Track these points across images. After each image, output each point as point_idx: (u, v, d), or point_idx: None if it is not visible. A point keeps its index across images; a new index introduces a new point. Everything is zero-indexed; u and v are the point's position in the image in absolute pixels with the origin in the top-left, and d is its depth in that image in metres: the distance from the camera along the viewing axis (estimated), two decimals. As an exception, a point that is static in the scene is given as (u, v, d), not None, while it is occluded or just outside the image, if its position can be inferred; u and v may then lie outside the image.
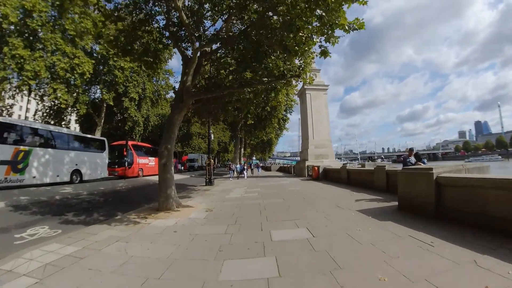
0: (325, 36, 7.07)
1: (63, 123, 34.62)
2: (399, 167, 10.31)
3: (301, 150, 26.74)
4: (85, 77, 27.88)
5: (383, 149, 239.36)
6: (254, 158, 65.47)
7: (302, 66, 10.10)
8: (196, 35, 9.83)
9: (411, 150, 10.15)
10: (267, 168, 54.57)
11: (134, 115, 37.80)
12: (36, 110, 35.38)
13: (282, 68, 9.72)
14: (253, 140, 54.35)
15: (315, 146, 23.70)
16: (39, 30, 24.76)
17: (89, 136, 23.32)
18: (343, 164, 20.81)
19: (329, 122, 25.19)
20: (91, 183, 19.24)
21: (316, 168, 18.79)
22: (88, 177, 20.46)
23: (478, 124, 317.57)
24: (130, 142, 26.88)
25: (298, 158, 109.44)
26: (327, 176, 18.30)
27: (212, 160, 18.77)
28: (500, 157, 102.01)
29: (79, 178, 19.48)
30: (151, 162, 29.95)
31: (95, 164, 21.32)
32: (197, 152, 59.08)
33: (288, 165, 40.32)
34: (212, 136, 19.47)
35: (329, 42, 7.20)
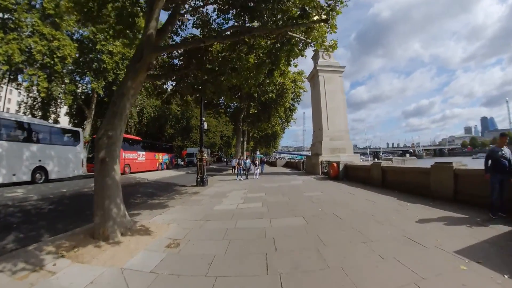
0: None
1: (52, 116, 31.41)
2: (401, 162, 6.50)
3: (313, 143, 22.90)
4: (66, 62, 24.42)
5: (387, 144, 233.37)
6: (258, 152, 61.64)
7: (331, 4, 6.36)
8: None
9: (503, 136, 6.14)
10: (272, 163, 50.75)
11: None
12: (21, 102, 32.12)
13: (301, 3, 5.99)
14: (256, 133, 50.67)
15: (330, 138, 19.87)
16: (13, 9, 21.38)
17: (58, 126, 19.57)
18: (374, 160, 16.98)
19: (345, 110, 21.32)
20: (58, 183, 15.61)
21: (335, 164, 14.99)
22: (56, 175, 16.81)
23: (484, 120, 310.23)
24: (114, 134, 23.26)
25: (304, 153, 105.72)
26: (349, 174, 14.52)
27: (205, 155, 15.08)
28: None
29: (43, 177, 15.87)
30: (140, 157, 26.41)
31: (66, 160, 17.65)
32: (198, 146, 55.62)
33: (296, 160, 36.16)
34: (206, 124, 15.76)
35: None
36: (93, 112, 32.29)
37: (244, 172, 18.12)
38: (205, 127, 15.96)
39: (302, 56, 8.74)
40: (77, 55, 26.81)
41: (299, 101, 30.89)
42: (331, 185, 12.49)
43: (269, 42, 8.20)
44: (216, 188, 13.11)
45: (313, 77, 22.43)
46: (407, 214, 6.14)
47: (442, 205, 6.78)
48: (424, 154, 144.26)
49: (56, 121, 30.17)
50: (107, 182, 5.47)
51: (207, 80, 9.40)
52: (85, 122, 32.66)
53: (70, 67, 27.33)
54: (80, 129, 21.02)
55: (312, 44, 7.80)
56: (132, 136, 28.75)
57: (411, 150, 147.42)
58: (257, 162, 19.01)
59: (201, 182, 14.24)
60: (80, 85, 31.77)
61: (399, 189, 9.60)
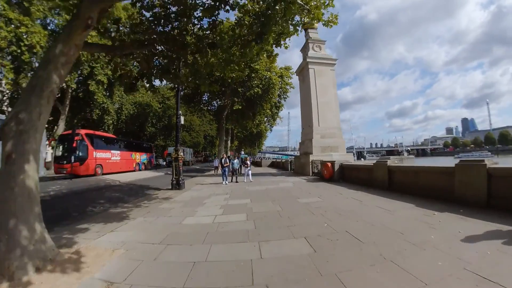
0: None
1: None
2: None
3: (302, 141, 21.19)
4: (35, 51, 21.77)
5: (371, 144, 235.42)
6: (242, 152, 59.71)
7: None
8: None
9: None
10: (257, 163, 48.88)
11: (102, 101, 31.43)
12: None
13: None
14: (240, 132, 48.82)
15: (321, 136, 18.23)
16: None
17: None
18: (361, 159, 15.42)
19: (338, 105, 19.74)
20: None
21: (329, 164, 13.29)
22: (9, 177, 14.43)
23: (465, 121, 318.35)
24: (84, 131, 20.89)
25: (289, 153, 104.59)
26: (346, 175, 12.88)
27: (182, 154, 13.08)
28: (489, 153, 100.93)
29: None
30: (114, 156, 24.02)
31: (22, 159, 15.28)
32: (182, 146, 53.10)
33: (282, 160, 34.35)
34: (182, 119, 13.77)
35: None
36: (67, 108, 29.45)
37: (230, 173, 15.19)
38: (182, 121, 13.95)
39: (297, 31, 7.05)
40: (49, 44, 24.18)
41: (286, 98, 29.27)
42: (328, 188, 10.76)
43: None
44: (193, 193, 11.15)
45: (303, 70, 20.77)
46: (444, 230, 4.46)
47: (477, 214, 5.27)
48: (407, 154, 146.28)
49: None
50: (14, 190, 3.54)
51: (178, 59, 7.51)
52: (59, 119, 29.94)
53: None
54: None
55: (311, 14, 6.09)
56: (105, 134, 26.20)
57: (408, 148, 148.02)
58: (248, 162, 16.20)
59: (177, 185, 12.25)
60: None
61: (410, 193, 8.02)
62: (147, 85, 8.62)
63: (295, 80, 29.90)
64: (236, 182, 14.76)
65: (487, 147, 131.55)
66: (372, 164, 10.72)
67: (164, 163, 44.56)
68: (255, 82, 23.63)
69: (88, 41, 5.65)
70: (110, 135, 27.59)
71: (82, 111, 33.32)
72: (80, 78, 29.64)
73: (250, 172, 15.64)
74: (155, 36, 6.92)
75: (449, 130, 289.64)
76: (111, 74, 29.11)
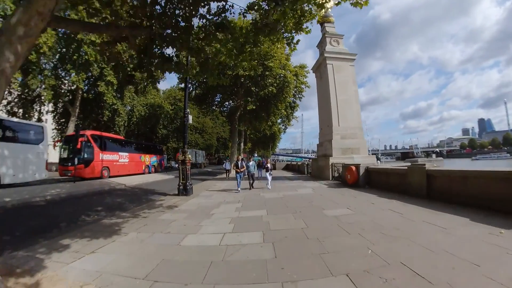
0: None
1: (35, 115, 28.38)
2: None
3: (320, 142, 19.78)
4: (42, 51, 21.21)
5: (385, 146, 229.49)
6: (255, 154, 58.42)
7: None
8: None
9: None
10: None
11: (112, 102, 30.78)
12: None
13: None
14: (254, 134, 47.64)
15: (341, 137, 16.80)
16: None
17: (12, 119, 16.38)
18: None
19: (358, 103, 18.27)
20: (9, 190, 12.40)
21: (353, 168, 11.85)
22: (10, 179, 13.55)
23: (481, 122, 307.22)
24: (90, 132, 20.13)
25: (302, 155, 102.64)
26: (372, 181, 11.42)
27: (189, 156, 11.95)
28: (508, 154, 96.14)
29: (-6, 182, 12.76)
30: (122, 158, 23.20)
31: (24, 161, 14.41)
32: (194, 148, 52.38)
33: (298, 163, 32.82)
34: (191, 118, 12.66)
35: None
36: (77, 110, 28.89)
37: (246, 178, 13.31)
38: (190, 120, 12.85)
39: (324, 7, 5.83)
40: (59, 46, 23.75)
41: (301, 97, 27.82)
42: (355, 196, 9.34)
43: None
44: (201, 200, 9.97)
45: (320, 67, 19.41)
46: None
47: None
48: (423, 156, 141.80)
49: (39, 120, 27.13)
50: None
51: (181, 45, 6.31)
52: (69, 120, 29.56)
53: (53, 61, 24.35)
54: (43, 124, 17.87)
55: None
56: (112, 135, 25.39)
57: (437, 150, 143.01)
58: (269, 165, 14.16)
59: (184, 191, 11.11)
60: (66, 81, 28.51)
61: (456, 202, 6.64)
62: (149, 80, 7.49)
63: (310, 79, 28.54)
64: (251, 188, 12.87)
65: (505, 148, 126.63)
66: (406, 167, 9.25)
67: (176, 165, 43.91)
68: (269, 80, 22.40)
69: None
70: (118, 136, 26.90)
71: (92, 113, 32.85)
72: (91, 80, 29.11)
73: (270, 178, 13.28)
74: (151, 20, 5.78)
75: (465, 131, 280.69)
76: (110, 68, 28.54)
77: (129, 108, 38.96)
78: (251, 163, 13.87)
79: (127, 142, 25.54)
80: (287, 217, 6.37)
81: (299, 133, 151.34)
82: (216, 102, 29.91)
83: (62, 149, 19.61)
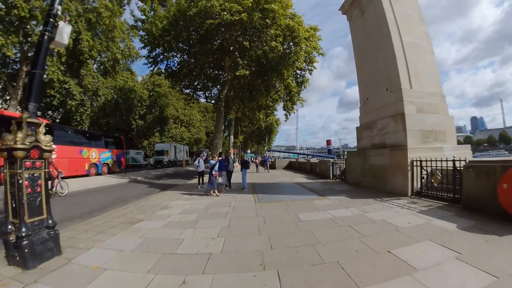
0: None
1: None
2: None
3: (363, 123, 11.46)
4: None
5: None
6: (248, 151, 50.33)
7: None
8: None
9: None
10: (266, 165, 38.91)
11: (57, 78, 22.19)
12: None
13: None
14: (246, 126, 39.59)
15: (417, 109, 8.88)
16: None
17: None
18: None
19: (433, 53, 10.36)
20: None
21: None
22: None
23: (474, 120, 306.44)
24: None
25: (297, 151, 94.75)
26: None
27: (50, 141, 3.69)
28: (506, 152, 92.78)
29: None
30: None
31: None
32: (181, 143, 44.12)
33: (311, 161, 24.00)
34: (69, 30, 4.49)
35: None
36: (19, 91, 20.10)
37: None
38: (65, 41, 4.74)
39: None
40: None
41: (312, 70, 19.59)
42: None
43: None
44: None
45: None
46: None
47: None
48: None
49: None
50: None
51: None
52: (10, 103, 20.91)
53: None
54: None
55: None
56: (14, 113, 14.99)
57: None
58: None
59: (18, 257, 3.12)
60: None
61: None
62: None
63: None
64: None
65: (502, 146, 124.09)
66: None
67: (154, 162, 35.79)
68: (271, 31, 14.45)
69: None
70: (39, 119, 18.30)
71: (41, 95, 24.02)
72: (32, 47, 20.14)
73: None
74: None
75: (458, 129, 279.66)
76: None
77: (91, 90, 30.19)
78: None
79: (53, 128, 16.44)
80: None
81: (292, 130, 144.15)
82: (198, 86, 21.44)
83: None
